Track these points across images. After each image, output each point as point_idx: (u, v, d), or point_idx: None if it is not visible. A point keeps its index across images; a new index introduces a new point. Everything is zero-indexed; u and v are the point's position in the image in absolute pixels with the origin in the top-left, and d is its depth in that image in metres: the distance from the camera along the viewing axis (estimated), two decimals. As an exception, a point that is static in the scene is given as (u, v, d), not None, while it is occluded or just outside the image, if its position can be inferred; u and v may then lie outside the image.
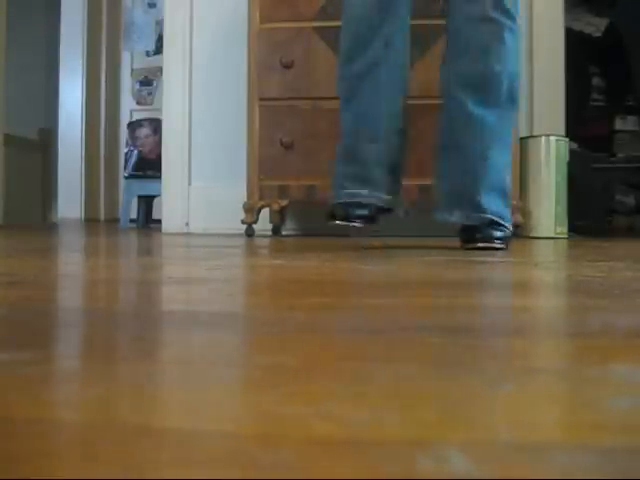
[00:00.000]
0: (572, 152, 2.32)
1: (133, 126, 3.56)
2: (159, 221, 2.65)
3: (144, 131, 3.48)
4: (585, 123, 2.97)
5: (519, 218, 2.10)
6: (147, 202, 3.62)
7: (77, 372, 0.31)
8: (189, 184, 2.55)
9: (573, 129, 2.48)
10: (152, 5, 4.36)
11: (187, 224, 2.54)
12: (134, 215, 3.58)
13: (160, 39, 3.55)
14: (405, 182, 1.56)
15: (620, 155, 3.09)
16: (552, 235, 2.17)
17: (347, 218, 1.42)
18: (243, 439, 0.22)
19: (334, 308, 0.53)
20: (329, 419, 0.23)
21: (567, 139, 2.26)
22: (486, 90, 1.40)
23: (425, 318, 0.49)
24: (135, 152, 3.45)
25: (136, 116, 4.11)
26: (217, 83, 2.54)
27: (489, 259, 1.14)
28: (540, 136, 2.21)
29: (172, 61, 2.57)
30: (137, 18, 4.39)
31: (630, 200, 3.17)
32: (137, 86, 4.41)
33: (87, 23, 4.46)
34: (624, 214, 3.11)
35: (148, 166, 3.37)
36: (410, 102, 1.52)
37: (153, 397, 0.27)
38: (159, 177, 2.69)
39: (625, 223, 3.05)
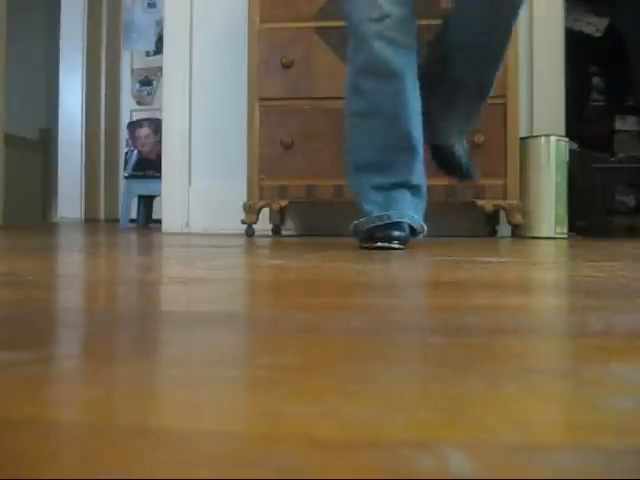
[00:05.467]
0: (572, 152, 2.32)
1: (133, 126, 3.57)
2: (159, 221, 2.65)
3: (144, 131, 3.48)
4: (585, 123, 2.97)
5: (519, 218, 2.10)
6: (147, 202, 3.62)
7: (77, 372, 0.31)
8: (189, 184, 2.56)
9: (573, 129, 2.48)
10: (152, 5, 4.36)
11: (187, 224, 2.54)
12: (134, 215, 3.58)
13: (160, 39, 3.55)
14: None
15: (620, 155, 3.09)
16: (552, 235, 2.17)
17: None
18: (243, 439, 0.22)
19: (334, 308, 0.53)
20: (329, 419, 0.23)
21: (567, 139, 2.26)
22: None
23: (425, 318, 0.49)
24: (135, 152, 3.45)
25: (136, 116, 4.11)
26: (217, 83, 2.54)
27: (489, 259, 1.14)
28: (540, 136, 2.21)
29: (172, 61, 2.57)
30: (137, 18, 4.39)
31: (630, 200, 3.17)
32: (137, 86, 4.41)
33: (87, 23, 4.46)
34: (624, 214, 3.12)
35: (148, 166, 3.38)
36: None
37: (153, 397, 0.27)
38: (159, 177, 2.69)
39: (625, 223, 3.05)
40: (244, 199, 2.21)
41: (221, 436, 0.22)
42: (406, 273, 0.87)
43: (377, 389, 0.28)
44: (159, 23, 4.05)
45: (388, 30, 1.39)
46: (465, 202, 2.14)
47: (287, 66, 2.17)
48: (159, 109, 3.05)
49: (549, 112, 2.36)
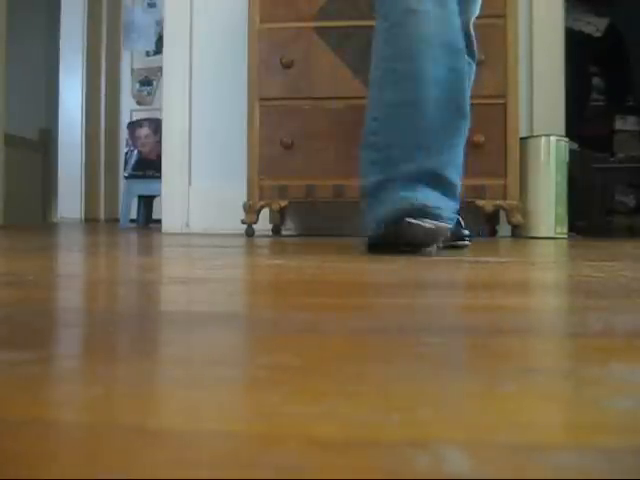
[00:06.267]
0: (572, 152, 2.32)
1: (133, 126, 3.57)
2: (159, 221, 2.65)
3: (144, 131, 3.48)
4: (585, 123, 2.97)
5: (519, 218, 2.10)
6: (147, 202, 3.62)
7: (77, 372, 0.31)
8: (189, 184, 2.56)
9: (573, 129, 2.48)
10: (152, 5, 4.36)
11: (187, 224, 2.54)
12: (134, 215, 3.58)
13: (160, 39, 3.55)
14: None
15: (620, 155, 3.09)
16: (552, 235, 2.17)
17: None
18: (243, 439, 0.22)
19: (334, 308, 0.53)
20: (329, 419, 0.23)
21: (567, 139, 2.26)
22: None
23: (425, 318, 0.49)
24: (135, 152, 3.45)
25: (136, 116, 4.12)
26: (217, 83, 2.54)
27: (489, 259, 1.15)
28: (540, 136, 2.21)
29: (172, 61, 2.57)
30: (137, 18, 4.39)
31: (630, 200, 3.17)
32: (137, 86, 4.41)
33: (87, 23, 4.47)
34: (624, 214, 3.12)
35: (148, 166, 3.38)
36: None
37: (153, 397, 0.27)
38: (159, 177, 2.69)
39: (625, 223, 3.04)
40: (244, 199, 2.21)
41: (221, 436, 0.22)
42: (405, 273, 0.87)
43: (377, 389, 0.28)
44: (159, 23, 4.04)
45: None
46: (465, 202, 2.13)
47: (287, 66, 2.17)
48: (159, 109, 3.05)
49: (549, 112, 2.36)
